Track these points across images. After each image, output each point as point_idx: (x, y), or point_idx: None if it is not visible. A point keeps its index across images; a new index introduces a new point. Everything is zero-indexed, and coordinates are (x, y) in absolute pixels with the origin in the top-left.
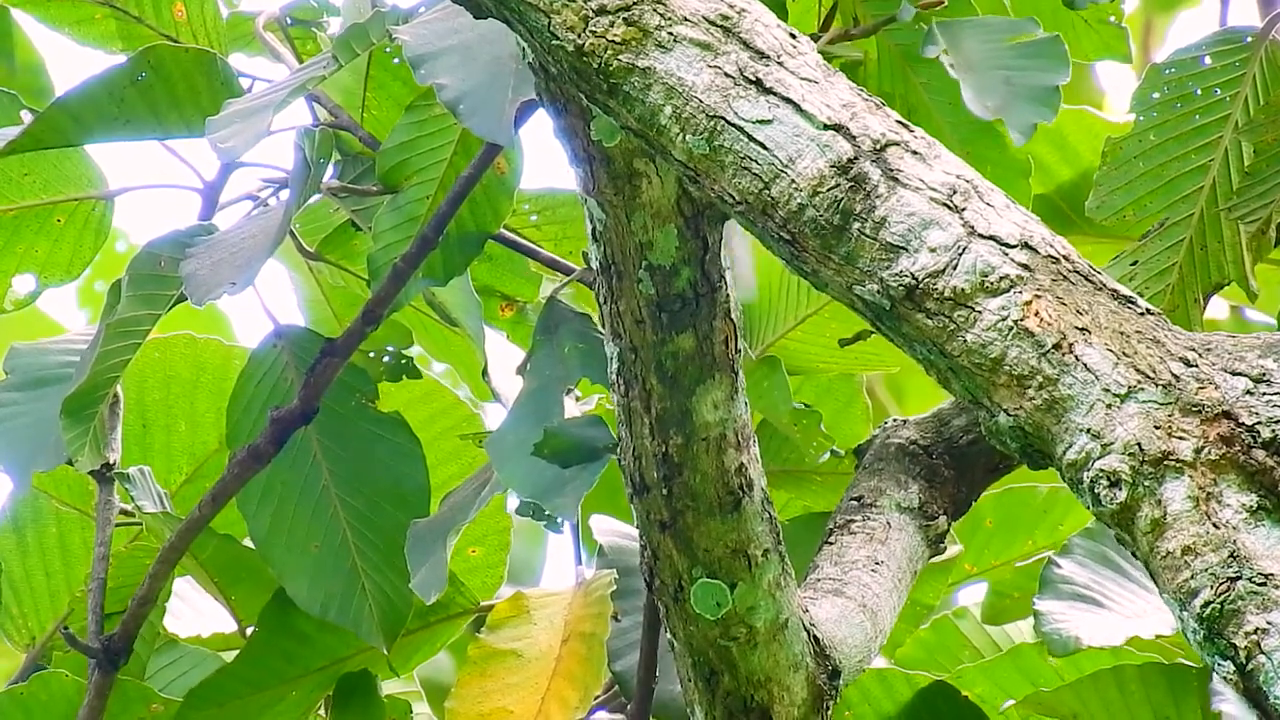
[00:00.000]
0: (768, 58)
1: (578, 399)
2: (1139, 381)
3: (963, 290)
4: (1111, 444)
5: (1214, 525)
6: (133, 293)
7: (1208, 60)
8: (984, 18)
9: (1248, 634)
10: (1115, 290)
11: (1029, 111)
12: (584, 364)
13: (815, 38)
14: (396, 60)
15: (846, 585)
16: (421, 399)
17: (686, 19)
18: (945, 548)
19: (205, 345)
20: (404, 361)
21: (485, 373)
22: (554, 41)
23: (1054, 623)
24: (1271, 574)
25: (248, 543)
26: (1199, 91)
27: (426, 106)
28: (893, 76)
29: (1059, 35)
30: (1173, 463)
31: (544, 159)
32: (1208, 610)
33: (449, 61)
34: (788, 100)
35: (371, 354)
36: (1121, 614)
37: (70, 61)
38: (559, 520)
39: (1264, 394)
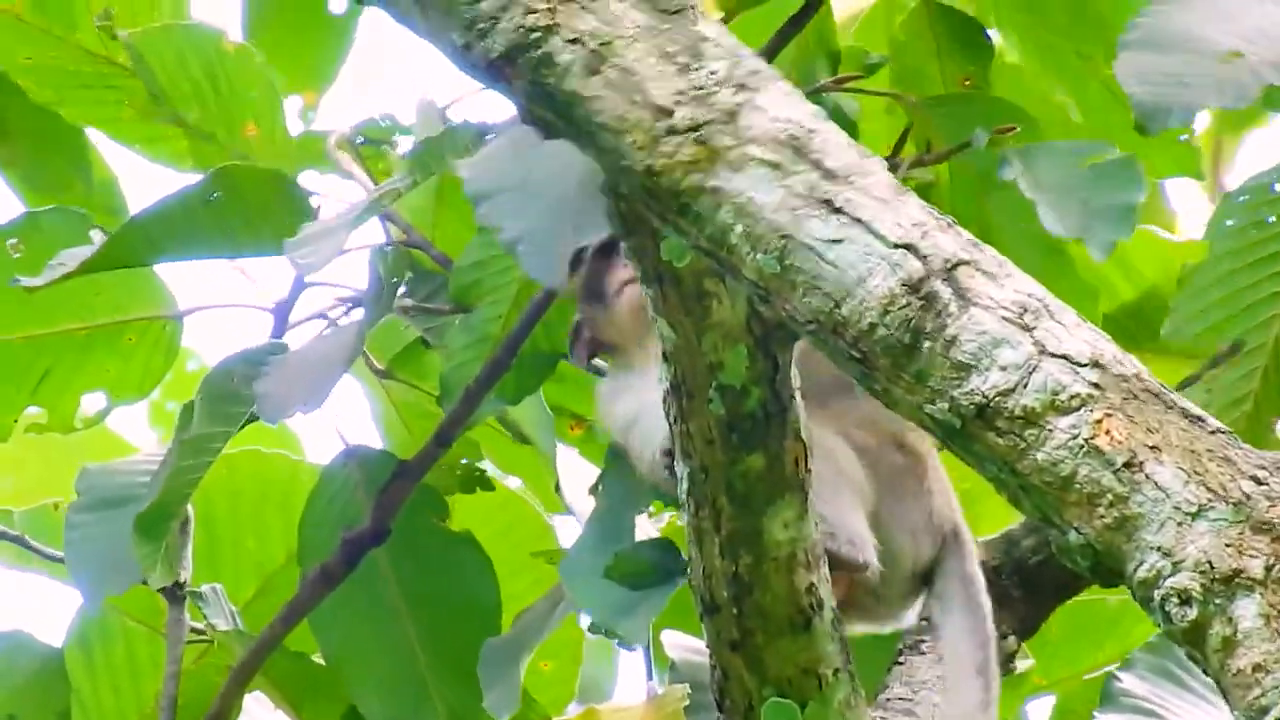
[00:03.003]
0: (838, 177)
1: (650, 515)
2: (1210, 499)
3: (1033, 409)
4: (1182, 561)
5: None
6: (206, 410)
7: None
8: (1057, 141)
9: None
10: (1185, 409)
11: (1108, 230)
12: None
13: (892, 164)
14: None
15: (917, 705)
16: (498, 510)
17: (756, 139)
18: (1016, 665)
19: (272, 460)
20: (477, 474)
21: (558, 487)
22: (624, 162)
23: None
24: None
25: (317, 658)
26: (1273, 219)
27: None
28: (966, 199)
29: (1134, 155)
30: (1244, 580)
31: None
32: None
33: (507, 204)
34: (858, 220)
35: (444, 467)
36: None
37: (142, 178)
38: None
39: None
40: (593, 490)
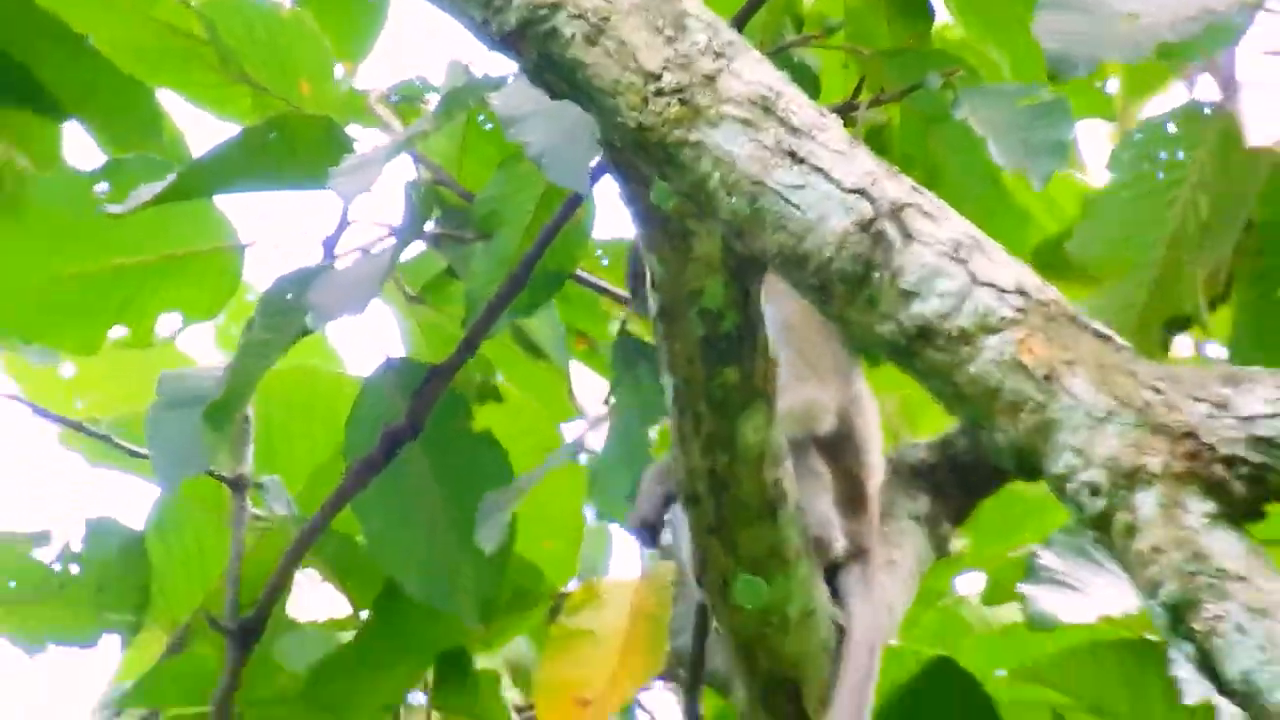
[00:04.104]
0: (801, 132)
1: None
2: (1116, 407)
3: (967, 330)
4: (1093, 459)
5: (1178, 529)
6: (264, 320)
7: (1172, 128)
8: (998, 84)
9: (1205, 620)
10: (1096, 329)
11: (1045, 162)
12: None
13: (850, 105)
14: (489, 126)
15: None
16: (513, 415)
17: (732, 99)
18: (951, 548)
19: (320, 375)
20: (490, 386)
21: (571, 393)
22: (619, 119)
23: (1037, 604)
24: (1226, 569)
25: (359, 539)
26: (1164, 155)
27: (515, 165)
28: (913, 138)
29: (1065, 96)
30: (1144, 476)
31: (612, 211)
32: (1172, 599)
33: (534, 123)
34: (818, 169)
35: (465, 379)
36: (1095, 597)
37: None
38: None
39: (1222, 417)
40: (606, 401)
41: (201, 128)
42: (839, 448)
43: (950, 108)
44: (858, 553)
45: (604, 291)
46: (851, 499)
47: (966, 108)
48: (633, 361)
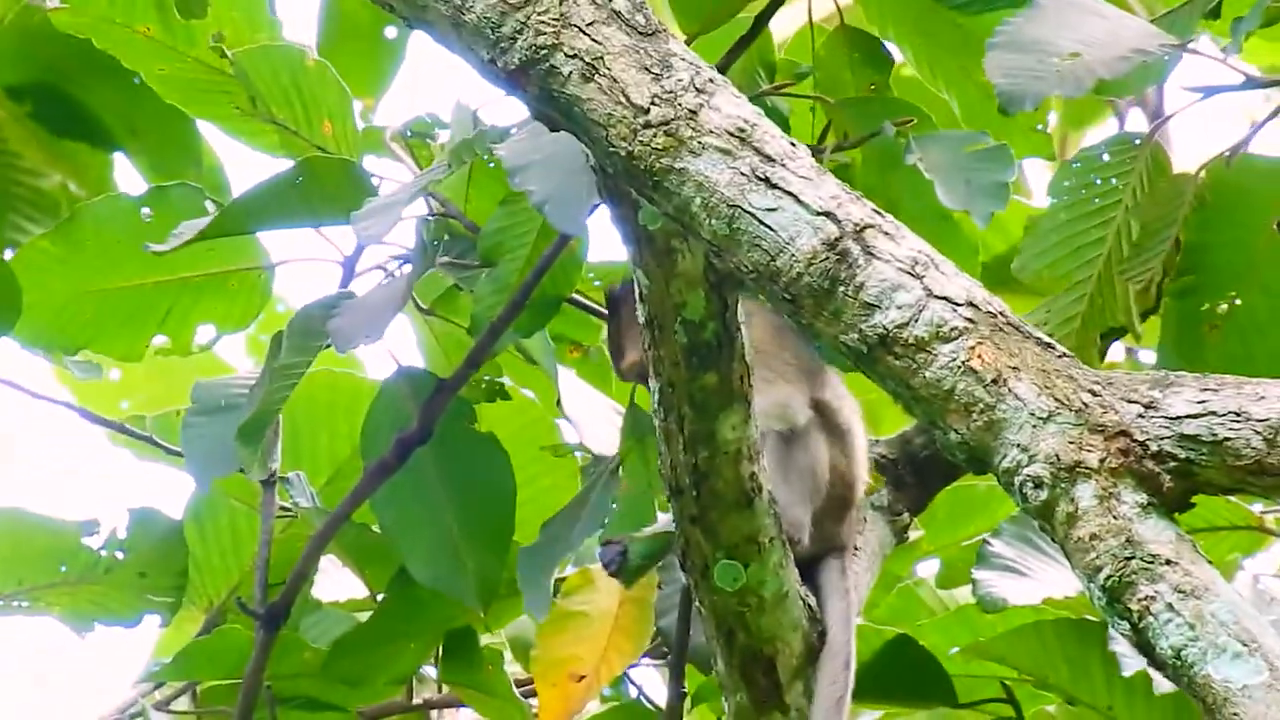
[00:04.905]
0: (774, 161)
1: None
2: (1057, 407)
3: (922, 338)
4: (1036, 455)
5: (1114, 517)
6: (292, 344)
7: (1106, 156)
8: (947, 131)
9: (1140, 600)
10: (1039, 338)
11: (986, 203)
12: None
13: (818, 151)
14: (492, 164)
15: None
16: (516, 414)
17: (712, 131)
18: (909, 536)
19: (341, 379)
20: (498, 387)
21: (559, 402)
22: (610, 149)
23: (988, 587)
24: (1158, 555)
25: (377, 530)
26: (1099, 181)
27: (516, 201)
28: (874, 178)
29: (1006, 144)
30: (1083, 470)
31: (603, 238)
32: (1109, 582)
33: (535, 172)
34: (789, 193)
35: (473, 383)
36: (1040, 580)
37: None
38: None
39: (1152, 417)
40: (614, 468)
41: (237, 154)
42: (833, 446)
43: (903, 153)
44: (838, 547)
45: (594, 312)
46: (840, 498)
47: (917, 154)
48: (642, 434)
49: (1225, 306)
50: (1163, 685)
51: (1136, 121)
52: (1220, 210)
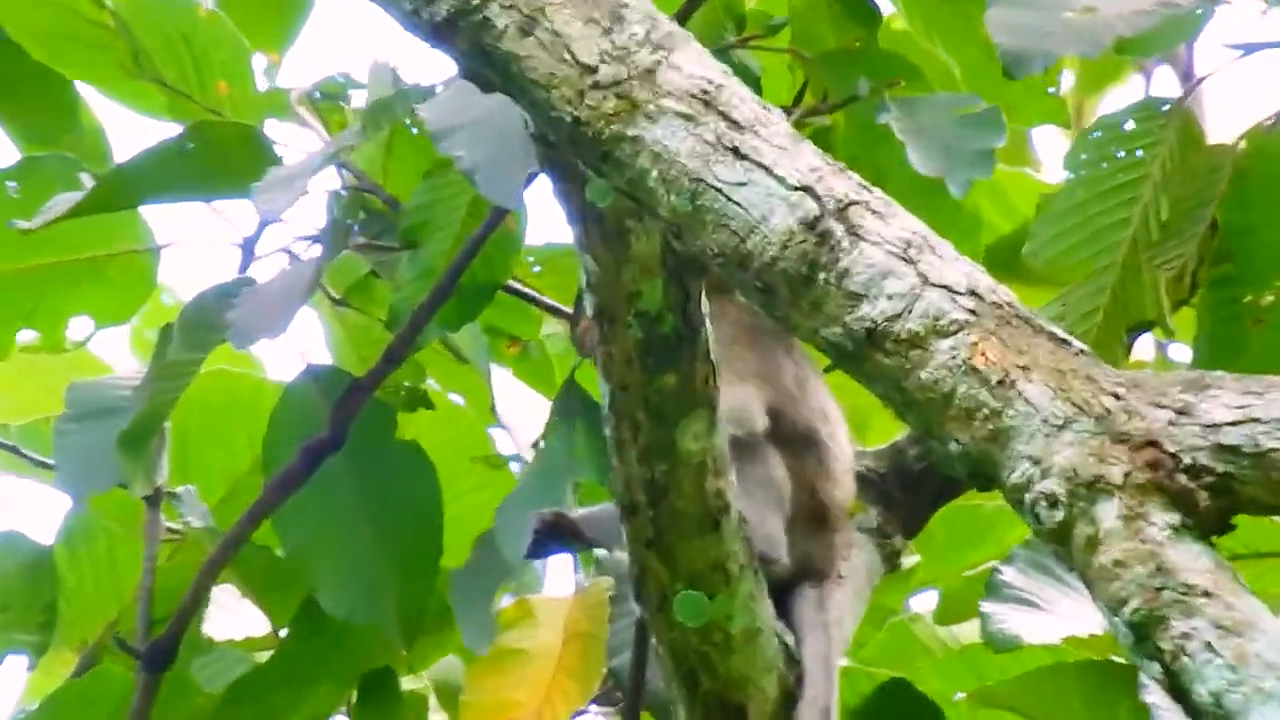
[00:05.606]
0: (743, 127)
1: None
2: (1074, 413)
3: (917, 333)
4: (1050, 469)
5: (1141, 541)
6: (183, 338)
7: (1130, 125)
8: (937, 94)
9: (1173, 638)
10: (1053, 332)
11: (966, 169)
12: (592, 462)
13: (790, 110)
14: (415, 131)
15: None
16: (443, 422)
17: (671, 94)
18: (901, 563)
19: (239, 379)
20: (420, 394)
21: (493, 407)
22: (553, 113)
23: (998, 623)
24: (1193, 585)
25: (279, 553)
26: (1122, 153)
27: (443, 173)
28: (859, 144)
29: (998, 106)
30: (1105, 485)
31: (545, 216)
32: (1136, 616)
33: (464, 136)
34: (761, 165)
35: (391, 387)
36: (1058, 615)
37: (127, 128)
38: None
39: (1185, 425)
40: (535, 445)
41: (125, 120)
42: (800, 458)
43: (877, 113)
44: (814, 574)
45: (535, 302)
46: (813, 515)
47: (892, 113)
48: (572, 413)
49: (1270, 298)
50: None
51: (1165, 84)
52: (1263, 186)
